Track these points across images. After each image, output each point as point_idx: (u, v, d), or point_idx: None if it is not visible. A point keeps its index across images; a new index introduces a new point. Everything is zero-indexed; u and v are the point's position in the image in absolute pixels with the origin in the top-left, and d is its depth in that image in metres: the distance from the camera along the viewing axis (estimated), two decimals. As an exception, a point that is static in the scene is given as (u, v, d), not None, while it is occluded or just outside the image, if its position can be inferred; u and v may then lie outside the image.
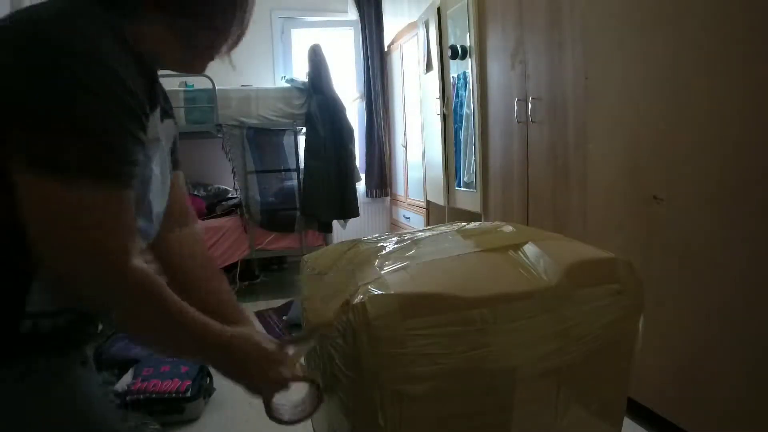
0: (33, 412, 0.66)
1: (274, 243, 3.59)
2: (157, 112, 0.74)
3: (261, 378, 0.76)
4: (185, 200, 0.95)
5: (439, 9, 3.08)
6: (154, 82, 0.74)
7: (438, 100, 3.19)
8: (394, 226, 4.64)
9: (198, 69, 0.78)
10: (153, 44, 0.70)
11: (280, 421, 0.79)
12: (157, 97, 0.74)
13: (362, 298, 0.75)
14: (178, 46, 0.73)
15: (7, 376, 0.65)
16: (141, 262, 0.64)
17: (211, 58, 0.77)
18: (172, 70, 0.78)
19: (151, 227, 0.77)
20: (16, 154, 0.58)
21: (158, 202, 0.77)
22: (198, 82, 3.53)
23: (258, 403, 0.79)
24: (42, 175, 0.58)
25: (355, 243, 1.03)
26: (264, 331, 2.82)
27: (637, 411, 1.66)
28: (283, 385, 0.77)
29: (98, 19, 0.63)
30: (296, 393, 0.82)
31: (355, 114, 4.73)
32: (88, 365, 0.76)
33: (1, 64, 0.59)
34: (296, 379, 0.79)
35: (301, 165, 3.58)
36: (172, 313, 0.67)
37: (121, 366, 2.10)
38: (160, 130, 0.76)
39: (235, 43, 0.77)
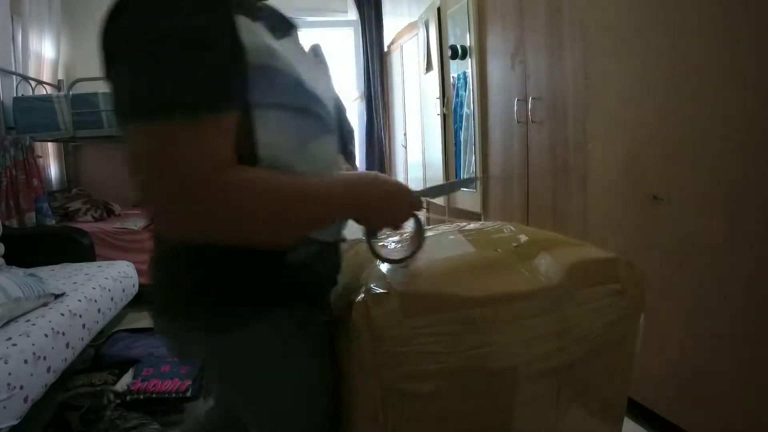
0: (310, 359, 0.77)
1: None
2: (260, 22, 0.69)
3: (393, 209, 0.77)
4: None
5: (439, 9, 3.08)
6: None
7: (438, 100, 3.19)
8: (393, 226, 4.63)
9: None
10: None
11: (390, 261, 0.83)
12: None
13: (364, 297, 0.75)
14: None
15: (288, 324, 0.73)
16: (242, 169, 0.63)
17: None
18: None
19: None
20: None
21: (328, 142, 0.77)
22: (198, 82, 3.52)
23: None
24: (124, 121, 0.61)
25: (355, 243, 1.03)
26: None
27: (637, 411, 1.66)
28: (407, 217, 0.80)
29: None
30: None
31: (355, 114, 4.73)
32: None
33: None
34: (418, 212, 0.82)
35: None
36: (285, 191, 0.66)
37: (121, 366, 2.10)
38: (287, 45, 0.73)
39: None
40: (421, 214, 0.85)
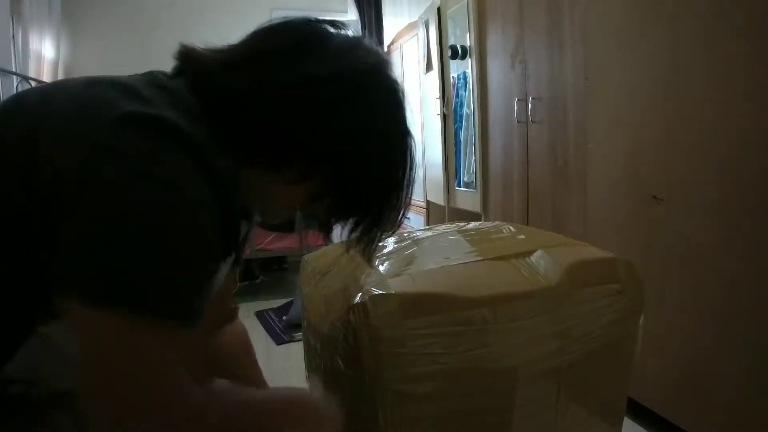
0: None
1: (274, 243, 3.59)
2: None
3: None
4: (231, 295, 0.89)
5: (439, 9, 3.08)
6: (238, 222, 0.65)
7: (438, 100, 3.19)
8: (394, 226, 4.63)
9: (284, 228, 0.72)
10: (254, 192, 0.64)
11: None
12: (238, 238, 0.67)
13: (363, 298, 0.75)
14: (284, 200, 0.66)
15: None
16: (197, 389, 0.58)
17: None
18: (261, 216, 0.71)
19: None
20: (72, 276, 0.51)
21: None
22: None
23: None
24: (102, 306, 0.50)
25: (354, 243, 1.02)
26: (264, 330, 2.83)
27: (637, 411, 1.66)
28: None
29: (209, 158, 0.56)
30: None
31: (355, 114, 4.73)
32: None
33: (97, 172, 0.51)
34: None
35: (301, 165, 3.58)
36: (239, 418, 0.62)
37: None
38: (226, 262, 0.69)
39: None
40: None
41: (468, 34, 2.76)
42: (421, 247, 0.94)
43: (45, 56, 3.89)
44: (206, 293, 0.58)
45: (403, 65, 4.21)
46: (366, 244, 0.68)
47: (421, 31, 3.42)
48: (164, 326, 0.52)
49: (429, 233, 1.03)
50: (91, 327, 0.52)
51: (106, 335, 0.52)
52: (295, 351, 2.22)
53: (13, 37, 3.61)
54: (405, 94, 0.67)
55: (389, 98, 0.65)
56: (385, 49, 4.69)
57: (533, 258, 0.87)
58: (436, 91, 3.22)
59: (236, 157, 0.59)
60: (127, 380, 0.53)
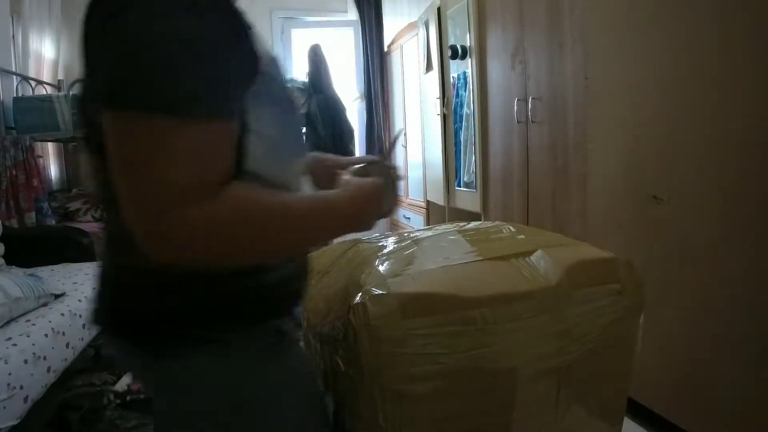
0: (271, 373, 0.70)
1: (274, 243, 3.58)
2: None
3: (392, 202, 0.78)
4: None
5: (439, 9, 3.08)
6: None
7: (438, 100, 3.19)
8: (394, 226, 4.64)
9: None
10: None
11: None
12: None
13: (363, 298, 0.75)
14: None
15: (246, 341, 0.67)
16: (233, 187, 0.56)
17: None
18: None
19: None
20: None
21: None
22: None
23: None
24: (118, 110, 0.53)
25: (355, 243, 1.03)
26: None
27: (637, 411, 1.66)
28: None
29: None
30: None
31: (355, 114, 4.73)
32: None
33: None
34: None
35: (301, 165, 3.58)
36: (283, 212, 0.60)
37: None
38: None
39: None
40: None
41: (468, 34, 2.76)
42: (421, 247, 0.94)
43: (45, 56, 3.89)
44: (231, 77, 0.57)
45: (403, 65, 4.21)
46: None
47: (421, 31, 3.42)
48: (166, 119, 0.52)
49: (429, 233, 1.03)
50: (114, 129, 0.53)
51: (120, 136, 0.53)
52: (295, 351, 2.22)
53: (13, 37, 3.61)
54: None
55: None
56: (386, 49, 4.70)
57: (533, 258, 0.87)
58: (436, 91, 3.22)
59: None
60: (141, 175, 0.53)
